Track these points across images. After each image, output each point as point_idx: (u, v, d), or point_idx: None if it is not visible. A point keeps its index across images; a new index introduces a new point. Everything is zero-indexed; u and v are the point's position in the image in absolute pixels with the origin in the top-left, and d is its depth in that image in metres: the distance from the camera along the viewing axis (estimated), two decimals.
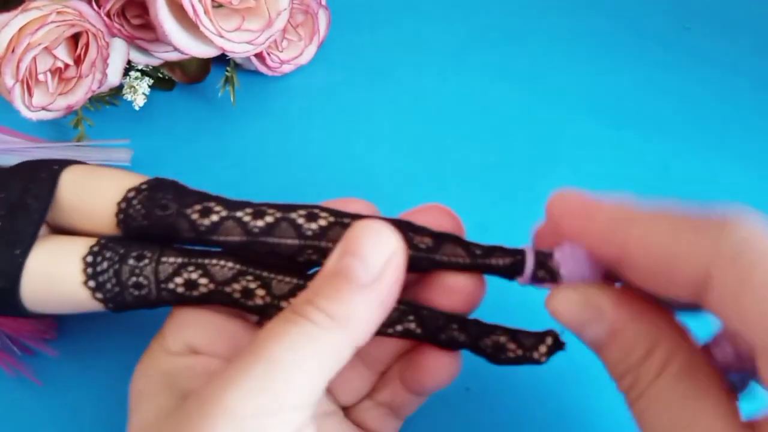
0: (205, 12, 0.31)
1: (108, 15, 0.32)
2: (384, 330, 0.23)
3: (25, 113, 0.31)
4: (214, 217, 0.23)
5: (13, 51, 0.29)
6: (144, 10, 0.32)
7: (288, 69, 0.38)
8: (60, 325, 0.30)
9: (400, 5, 0.42)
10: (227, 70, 0.37)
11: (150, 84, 0.36)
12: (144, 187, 0.24)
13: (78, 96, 0.32)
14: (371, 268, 0.20)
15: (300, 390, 0.19)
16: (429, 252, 0.23)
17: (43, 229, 0.25)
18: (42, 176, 0.25)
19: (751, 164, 0.38)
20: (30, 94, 0.31)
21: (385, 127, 0.37)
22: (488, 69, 0.40)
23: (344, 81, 0.39)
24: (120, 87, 0.35)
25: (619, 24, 0.42)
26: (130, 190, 0.24)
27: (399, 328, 0.23)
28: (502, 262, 0.23)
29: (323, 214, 0.23)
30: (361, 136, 0.37)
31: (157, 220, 0.24)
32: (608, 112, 0.39)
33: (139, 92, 0.35)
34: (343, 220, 0.23)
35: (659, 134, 0.38)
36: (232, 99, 0.37)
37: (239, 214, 0.23)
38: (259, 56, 0.37)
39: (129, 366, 0.23)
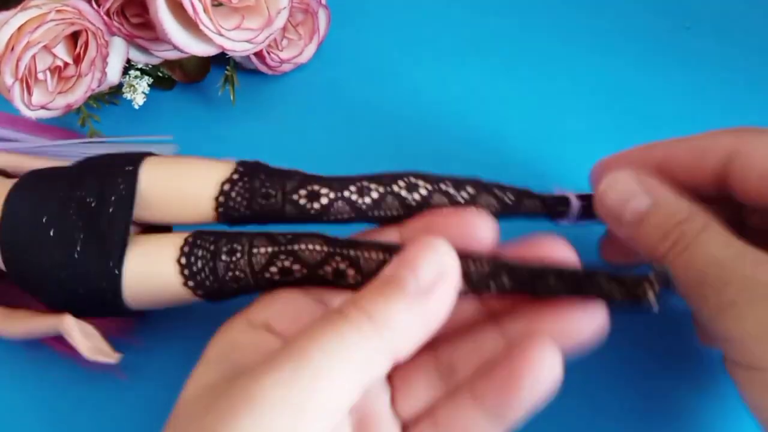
0: (205, 10, 0.31)
1: (107, 13, 0.32)
2: (478, 290, 0.22)
3: (25, 112, 0.31)
4: (324, 200, 0.24)
5: (12, 49, 0.29)
6: (143, 8, 0.32)
7: (288, 68, 0.38)
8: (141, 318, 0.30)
9: (400, 5, 0.42)
10: (227, 69, 0.37)
11: (149, 83, 0.36)
12: (236, 177, 0.25)
13: (77, 95, 0.32)
14: (421, 281, 0.20)
15: (326, 391, 0.19)
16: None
17: (131, 228, 0.25)
18: (119, 179, 0.25)
19: None
20: (29, 93, 0.31)
21: (386, 126, 0.37)
22: (488, 68, 0.40)
23: (344, 80, 0.39)
24: (119, 86, 0.35)
25: (619, 23, 0.42)
26: (223, 183, 0.24)
27: (492, 285, 0.22)
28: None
29: (421, 183, 0.25)
30: (361, 135, 0.37)
31: (260, 208, 0.24)
32: (608, 111, 0.39)
33: (139, 91, 0.35)
34: (440, 187, 0.25)
35: (659, 134, 0.38)
36: (231, 98, 0.37)
37: (346, 194, 0.24)
38: (258, 55, 0.36)
39: None
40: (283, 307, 0.24)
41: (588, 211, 0.26)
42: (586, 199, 0.26)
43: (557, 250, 0.24)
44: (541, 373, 0.21)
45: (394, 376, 0.25)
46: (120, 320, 0.29)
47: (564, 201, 0.25)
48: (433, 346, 0.25)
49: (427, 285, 0.20)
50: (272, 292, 0.24)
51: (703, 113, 0.39)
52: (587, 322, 0.22)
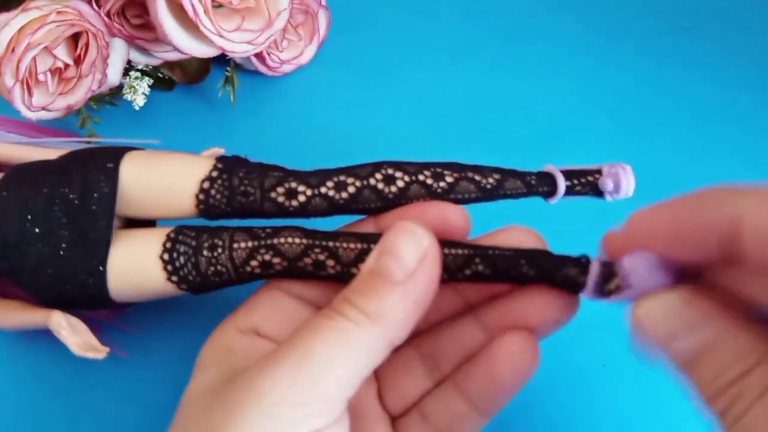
0: (205, 12, 0.31)
1: (108, 15, 0.32)
2: (453, 276, 0.23)
3: (25, 113, 0.31)
4: (301, 198, 0.25)
5: (13, 51, 0.29)
6: (144, 9, 0.32)
7: (288, 69, 0.38)
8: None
9: (400, 5, 0.42)
10: (227, 70, 0.37)
11: (150, 84, 0.36)
12: (215, 174, 0.25)
13: (78, 96, 0.32)
14: (405, 265, 0.20)
15: (330, 384, 0.19)
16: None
17: (114, 222, 0.25)
18: (101, 177, 0.25)
19: (751, 163, 0.38)
20: (30, 94, 0.31)
21: (385, 126, 0.37)
22: (488, 68, 0.40)
23: (344, 81, 0.39)
24: (120, 87, 0.35)
25: (619, 24, 0.42)
26: (203, 181, 0.25)
27: (467, 272, 0.23)
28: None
29: (398, 174, 0.24)
30: (360, 135, 0.37)
31: (240, 206, 0.25)
32: (608, 111, 0.39)
33: (139, 92, 0.35)
34: (418, 178, 0.24)
35: (659, 134, 0.38)
36: (232, 99, 0.37)
37: (323, 190, 0.24)
38: (259, 56, 0.37)
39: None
40: (269, 311, 0.24)
41: (576, 188, 0.25)
42: (573, 176, 0.25)
43: (528, 239, 0.24)
44: (520, 364, 0.22)
45: (380, 371, 0.25)
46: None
47: (549, 180, 0.25)
48: (416, 341, 0.25)
49: (411, 268, 0.20)
50: (257, 296, 0.25)
51: (703, 113, 0.39)
52: (559, 307, 0.23)
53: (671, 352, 0.19)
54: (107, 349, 0.25)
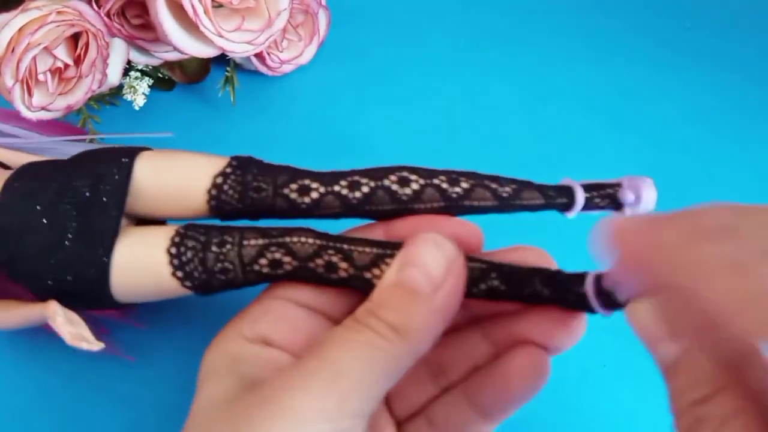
0: (205, 12, 0.31)
1: (108, 15, 0.32)
2: (469, 291, 0.22)
3: (25, 113, 0.31)
4: (314, 195, 0.24)
5: (12, 51, 0.29)
6: (144, 10, 0.32)
7: (288, 69, 0.38)
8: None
9: (400, 5, 0.42)
10: (227, 70, 0.37)
11: (150, 84, 0.36)
12: (228, 170, 0.25)
13: (78, 96, 0.32)
14: (432, 278, 0.20)
15: (361, 399, 0.19)
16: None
17: (125, 220, 0.25)
18: (113, 170, 0.25)
19: (751, 163, 0.38)
20: (30, 94, 0.31)
21: (385, 127, 0.37)
22: (488, 69, 0.40)
23: (344, 81, 0.39)
24: (120, 87, 0.35)
25: (619, 24, 0.42)
26: (216, 176, 0.25)
27: (483, 286, 0.23)
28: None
29: (413, 177, 0.24)
30: (360, 135, 0.37)
31: (252, 202, 0.25)
32: (608, 111, 0.39)
33: (139, 92, 0.35)
34: (433, 182, 0.24)
35: (659, 134, 0.38)
36: (232, 99, 0.37)
37: (336, 188, 0.24)
38: (259, 56, 0.37)
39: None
40: (275, 320, 0.23)
41: (595, 200, 0.24)
42: (592, 189, 0.24)
43: (537, 259, 0.24)
44: (532, 379, 0.22)
45: None
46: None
47: (567, 192, 0.24)
48: None
49: (439, 280, 0.20)
50: (259, 305, 0.24)
51: (703, 113, 0.39)
52: (567, 328, 0.23)
53: (657, 354, 0.19)
54: (101, 344, 0.25)
